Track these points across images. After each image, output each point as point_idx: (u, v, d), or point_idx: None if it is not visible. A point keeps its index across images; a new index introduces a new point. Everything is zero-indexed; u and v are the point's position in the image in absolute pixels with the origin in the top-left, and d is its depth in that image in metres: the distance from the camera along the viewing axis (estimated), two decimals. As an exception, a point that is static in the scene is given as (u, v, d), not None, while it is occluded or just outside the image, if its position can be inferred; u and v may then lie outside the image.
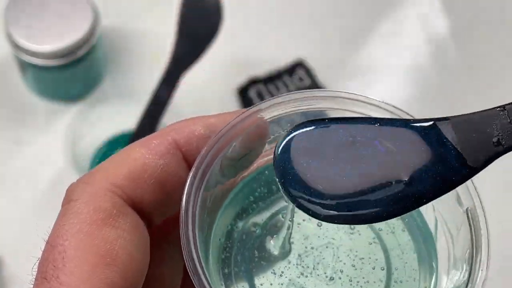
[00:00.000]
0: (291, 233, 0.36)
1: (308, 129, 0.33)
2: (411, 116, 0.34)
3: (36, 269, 0.31)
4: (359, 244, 0.36)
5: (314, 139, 0.33)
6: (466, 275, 0.32)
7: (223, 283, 0.35)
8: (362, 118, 0.34)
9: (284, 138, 0.33)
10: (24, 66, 0.74)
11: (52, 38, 0.71)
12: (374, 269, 0.35)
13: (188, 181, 0.33)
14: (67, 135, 0.74)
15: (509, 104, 0.31)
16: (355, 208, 0.31)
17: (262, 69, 0.79)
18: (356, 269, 0.35)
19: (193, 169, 0.33)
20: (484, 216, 0.33)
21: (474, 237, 0.33)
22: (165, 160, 0.34)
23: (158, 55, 0.78)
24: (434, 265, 0.35)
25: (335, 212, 0.32)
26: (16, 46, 0.72)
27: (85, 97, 0.78)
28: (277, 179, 0.32)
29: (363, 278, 0.35)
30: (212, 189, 0.35)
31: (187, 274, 0.37)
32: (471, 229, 0.33)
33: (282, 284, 0.35)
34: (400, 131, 0.32)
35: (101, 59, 0.77)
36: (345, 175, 0.32)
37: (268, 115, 0.35)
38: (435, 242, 0.36)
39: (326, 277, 0.35)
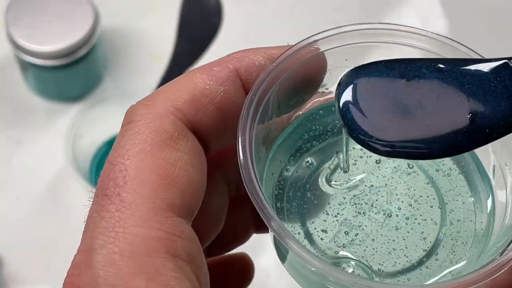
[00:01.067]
0: (346, 170, 0.36)
1: (372, 67, 0.33)
2: (479, 55, 0.34)
3: (95, 187, 0.31)
4: (416, 184, 0.36)
5: (378, 76, 0.33)
6: None
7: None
8: (426, 59, 0.33)
9: (349, 73, 0.33)
10: (25, 66, 0.74)
11: (52, 38, 0.71)
12: (431, 207, 0.35)
13: (244, 109, 0.33)
14: (67, 135, 0.74)
15: None
16: (415, 143, 0.32)
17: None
18: (413, 207, 0.35)
19: (248, 96, 0.33)
20: None
21: None
22: (225, 87, 0.34)
23: (158, 55, 0.79)
24: (490, 205, 0.35)
25: (391, 148, 0.32)
26: (17, 46, 0.72)
27: (85, 97, 0.78)
28: (338, 112, 0.32)
29: (421, 215, 0.35)
30: (267, 121, 0.34)
31: (232, 206, 0.39)
32: None
33: (336, 221, 0.35)
34: (465, 70, 0.32)
35: (101, 59, 0.77)
36: (408, 111, 0.32)
37: (324, 46, 0.35)
38: (492, 185, 0.35)
39: (384, 214, 0.35)
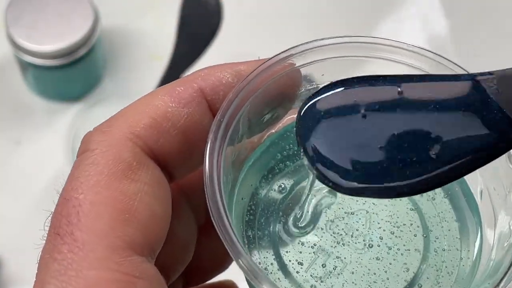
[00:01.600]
0: (321, 198, 0.33)
1: (334, 91, 0.30)
2: (451, 67, 0.31)
3: (49, 224, 0.29)
4: (399, 211, 0.33)
5: (341, 101, 0.30)
6: None
7: (246, 246, 0.32)
8: (392, 76, 0.31)
9: (309, 100, 0.30)
10: (25, 66, 0.74)
11: (52, 38, 0.71)
12: (415, 236, 0.33)
13: (212, 132, 0.30)
14: (67, 135, 0.74)
15: None
16: (381, 180, 0.29)
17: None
18: (396, 236, 0.33)
19: (216, 118, 0.31)
20: None
21: None
22: (189, 109, 0.31)
23: (158, 55, 0.78)
24: (477, 233, 0.33)
25: (357, 185, 0.29)
26: (17, 46, 0.71)
27: (85, 97, 0.78)
28: (298, 144, 0.30)
29: (404, 245, 0.32)
30: (237, 143, 0.32)
31: (202, 236, 0.35)
32: None
33: (312, 253, 0.32)
34: (435, 89, 0.29)
35: (100, 59, 0.77)
36: (372, 143, 0.29)
37: (299, 61, 0.32)
38: (479, 207, 0.33)
39: (365, 244, 0.32)
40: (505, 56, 0.84)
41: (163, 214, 0.30)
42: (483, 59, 0.83)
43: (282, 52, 0.32)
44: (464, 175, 0.29)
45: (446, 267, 0.32)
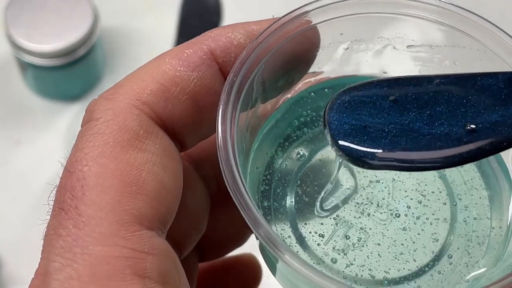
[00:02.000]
0: (341, 166, 0.31)
1: (363, 89, 0.29)
2: (481, 23, 0.30)
3: (54, 198, 0.27)
4: (426, 178, 0.31)
5: (373, 93, 0.28)
6: None
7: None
8: (422, 76, 0.29)
9: (338, 96, 0.29)
10: (24, 66, 0.74)
11: (52, 38, 0.71)
12: (444, 204, 0.31)
13: (224, 93, 0.28)
14: (67, 135, 0.73)
15: None
16: (417, 157, 0.27)
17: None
18: (424, 205, 0.31)
19: (229, 78, 0.29)
20: None
21: None
22: (199, 73, 0.29)
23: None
24: (510, 201, 0.31)
25: (389, 163, 0.28)
26: (16, 46, 0.71)
27: (85, 97, 0.78)
28: (329, 139, 0.28)
29: (433, 214, 0.31)
30: (251, 108, 0.30)
31: (216, 207, 0.33)
32: None
33: (334, 224, 0.30)
34: (465, 85, 0.28)
35: (100, 58, 0.77)
36: (403, 120, 0.28)
37: (316, 19, 0.30)
38: (509, 170, 0.32)
39: (391, 214, 0.31)
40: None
41: (174, 185, 0.28)
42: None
43: (297, 8, 0.30)
44: (495, 153, 0.28)
45: (478, 237, 0.31)
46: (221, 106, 0.28)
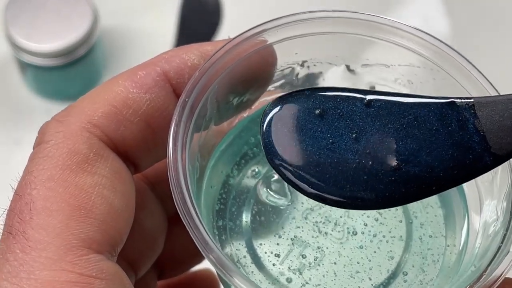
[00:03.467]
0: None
1: (298, 100, 0.28)
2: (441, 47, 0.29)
3: (4, 222, 0.27)
4: None
5: (304, 111, 0.28)
6: (506, 218, 0.28)
7: (217, 237, 0.30)
8: (374, 91, 0.29)
9: (268, 112, 0.28)
10: (24, 66, 0.74)
11: (51, 38, 0.71)
12: (400, 222, 0.31)
13: (176, 113, 0.28)
14: (67, 135, 0.73)
15: None
16: (350, 193, 0.27)
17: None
18: (380, 223, 0.31)
19: (181, 98, 0.28)
20: None
21: None
22: (151, 95, 0.29)
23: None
24: (464, 219, 0.31)
25: (326, 195, 0.27)
26: (16, 46, 0.71)
27: (85, 97, 0.78)
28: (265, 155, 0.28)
29: (389, 232, 0.31)
30: (204, 127, 0.29)
31: (173, 226, 0.33)
32: (510, 166, 0.28)
33: (290, 244, 0.30)
34: (409, 106, 0.28)
35: (100, 58, 0.77)
36: (340, 155, 0.27)
37: (273, 37, 0.30)
38: (465, 193, 0.31)
39: (348, 232, 0.30)
40: (505, 56, 0.84)
41: (124, 208, 0.28)
42: (483, 58, 0.83)
43: (253, 27, 0.30)
44: (437, 193, 0.28)
45: (432, 254, 0.31)
46: (172, 127, 0.28)
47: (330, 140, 0.28)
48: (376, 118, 0.28)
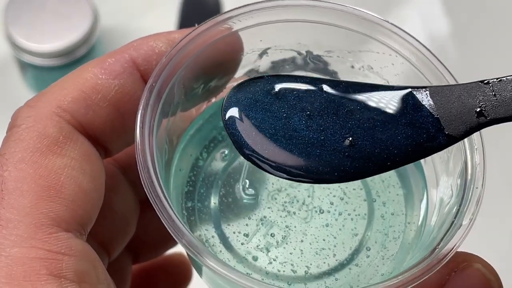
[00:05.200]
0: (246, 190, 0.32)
1: (258, 84, 0.29)
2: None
3: None
4: None
5: (262, 95, 0.29)
6: (460, 195, 0.30)
7: (185, 219, 0.32)
8: (331, 80, 0.30)
9: (229, 99, 0.29)
10: (24, 66, 0.74)
11: (51, 38, 0.71)
12: (365, 201, 0.32)
13: (143, 98, 0.29)
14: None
15: (492, 79, 0.29)
16: (310, 167, 0.28)
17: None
18: (345, 202, 0.32)
19: (148, 83, 0.29)
20: (480, 135, 0.30)
21: (468, 155, 0.30)
22: (120, 80, 0.30)
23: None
24: (423, 197, 0.33)
25: (289, 170, 0.28)
26: (16, 46, 0.72)
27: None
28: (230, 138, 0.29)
29: (354, 210, 0.32)
30: (172, 112, 0.31)
31: (146, 209, 0.35)
32: (464, 146, 0.30)
33: (259, 224, 0.32)
34: (365, 91, 0.29)
35: (100, 59, 0.77)
36: (300, 133, 0.28)
37: (238, 25, 0.31)
38: (425, 174, 0.33)
39: (315, 211, 0.32)
40: (505, 56, 0.84)
41: (93, 189, 0.29)
42: (483, 58, 0.83)
43: (219, 15, 0.31)
44: (391, 169, 0.29)
45: (394, 231, 0.32)
46: (140, 111, 0.29)
47: (286, 119, 0.29)
48: (331, 101, 0.29)
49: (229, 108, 0.29)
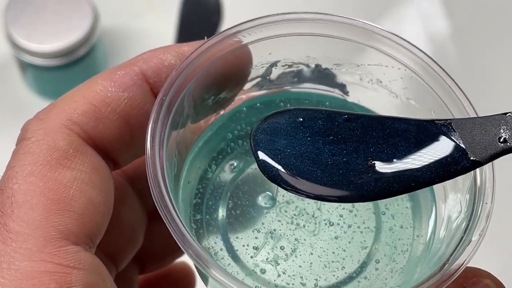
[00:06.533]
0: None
1: (283, 118, 0.29)
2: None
3: None
4: None
5: (287, 125, 0.29)
6: (469, 211, 0.30)
7: (193, 231, 0.32)
8: (355, 113, 0.31)
9: (257, 130, 0.29)
10: (24, 66, 0.74)
11: (52, 38, 0.71)
12: (374, 214, 0.33)
13: (154, 111, 0.29)
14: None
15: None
16: (337, 190, 0.28)
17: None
18: (354, 215, 0.32)
19: (158, 97, 0.29)
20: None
21: (476, 170, 0.30)
22: (129, 93, 0.30)
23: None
24: (432, 211, 0.33)
25: (322, 193, 0.28)
26: (16, 46, 0.71)
27: (85, 97, 0.78)
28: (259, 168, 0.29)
29: (363, 223, 0.32)
30: (182, 125, 0.31)
31: (153, 221, 0.35)
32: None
33: (268, 237, 0.32)
34: (389, 121, 0.30)
35: (101, 59, 0.77)
36: (323, 156, 0.29)
37: (248, 38, 0.31)
38: (434, 189, 0.33)
39: (325, 224, 0.32)
40: (505, 56, 0.84)
41: (102, 202, 0.29)
42: (483, 58, 0.83)
43: (228, 29, 0.31)
44: (419, 188, 0.29)
45: (402, 244, 0.32)
46: (150, 125, 0.29)
47: (311, 144, 0.29)
48: (355, 129, 0.29)
49: (258, 138, 0.29)
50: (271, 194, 0.33)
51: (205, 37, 0.31)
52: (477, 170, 0.30)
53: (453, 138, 0.29)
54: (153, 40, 0.81)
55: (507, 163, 0.64)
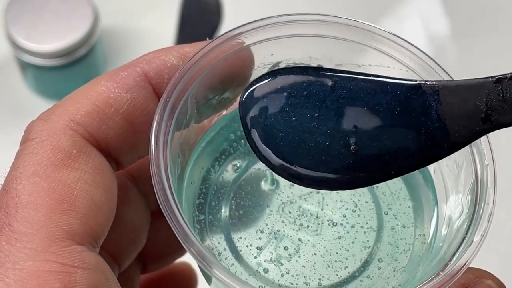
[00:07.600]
0: (277, 180, 0.33)
1: (271, 81, 0.30)
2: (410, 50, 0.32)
3: None
4: (358, 190, 0.33)
5: (282, 92, 0.30)
6: (471, 211, 0.30)
7: (197, 231, 0.32)
8: (341, 70, 0.31)
9: (246, 90, 0.30)
10: (24, 66, 0.74)
11: (52, 38, 0.71)
12: (377, 214, 0.33)
13: (157, 113, 0.30)
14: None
15: (504, 77, 0.28)
16: (311, 171, 0.29)
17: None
18: (358, 215, 0.33)
19: (162, 99, 0.30)
20: (490, 148, 0.30)
21: (478, 171, 0.30)
22: (132, 94, 0.30)
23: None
24: (433, 210, 0.33)
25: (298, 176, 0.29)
26: (16, 46, 0.71)
27: (85, 97, 0.78)
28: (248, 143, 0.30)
29: (367, 223, 0.33)
30: (185, 125, 0.31)
31: (156, 221, 0.35)
32: (474, 161, 0.30)
33: (271, 237, 0.32)
34: (379, 87, 0.29)
35: (101, 59, 0.77)
36: (303, 135, 0.29)
37: (250, 40, 0.31)
38: (433, 182, 0.33)
39: (329, 224, 0.32)
40: (505, 56, 0.84)
41: (106, 202, 0.30)
42: (483, 58, 0.83)
43: (231, 30, 0.31)
44: (394, 177, 0.29)
45: (405, 244, 0.33)
46: (154, 126, 0.29)
47: (296, 121, 0.29)
48: (340, 98, 0.29)
49: (248, 111, 0.30)
50: (274, 194, 0.33)
51: (207, 38, 0.32)
52: (478, 170, 0.30)
53: (438, 112, 0.28)
54: (153, 40, 0.81)
55: (507, 163, 0.65)
